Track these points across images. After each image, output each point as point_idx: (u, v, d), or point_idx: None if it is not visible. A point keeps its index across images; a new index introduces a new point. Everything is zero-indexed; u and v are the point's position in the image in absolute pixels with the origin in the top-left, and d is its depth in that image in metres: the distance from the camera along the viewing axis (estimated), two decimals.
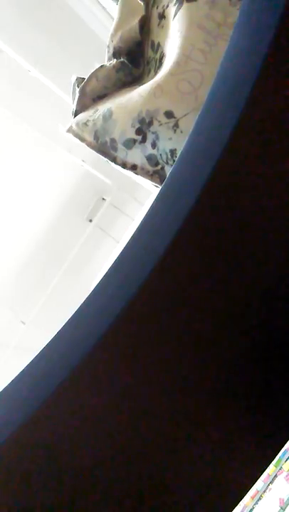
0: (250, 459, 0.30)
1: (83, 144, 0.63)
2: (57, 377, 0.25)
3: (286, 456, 0.99)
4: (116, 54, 0.64)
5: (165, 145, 0.54)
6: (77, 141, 0.64)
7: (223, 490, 0.30)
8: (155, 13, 0.61)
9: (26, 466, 0.25)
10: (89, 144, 0.62)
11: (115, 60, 0.64)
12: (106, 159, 0.61)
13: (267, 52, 0.25)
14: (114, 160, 0.60)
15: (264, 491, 0.99)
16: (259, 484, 0.99)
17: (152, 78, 0.57)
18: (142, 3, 0.63)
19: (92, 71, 0.64)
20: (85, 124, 0.62)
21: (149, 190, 0.70)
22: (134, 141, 0.56)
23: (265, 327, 0.27)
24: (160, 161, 0.56)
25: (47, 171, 2.15)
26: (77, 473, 0.26)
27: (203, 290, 0.26)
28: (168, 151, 0.54)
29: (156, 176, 0.57)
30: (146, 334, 0.25)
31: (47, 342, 0.27)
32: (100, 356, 0.25)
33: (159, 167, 0.57)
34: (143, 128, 0.55)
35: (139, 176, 0.59)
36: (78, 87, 0.66)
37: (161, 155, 0.55)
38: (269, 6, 0.26)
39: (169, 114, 0.53)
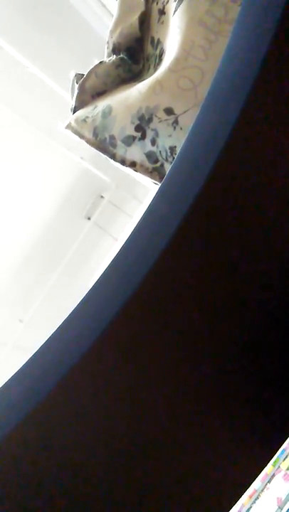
0: (248, 459, 0.30)
1: (82, 141, 0.63)
2: (54, 376, 0.25)
3: (284, 456, 0.99)
4: (115, 50, 0.63)
5: (165, 142, 0.54)
6: (76, 137, 0.63)
7: (221, 489, 0.30)
8: (155, 9, 0.61)
9: (23, 465, 0.25)
10: (88, 141, 0.62)
11: (115, 56, 0.63)
12: (105, 156, 0.61)
13: (268, 48, 0.25)
14: (113, 157, 0.60)
15: (262, 490, 0.99)
16: (257, 483, 0.99)
17: (152, 75, 0.57)
18: None
19: (92, 67, 0.64)
20: (84, 120, 0.62)
21: (148, 188, 0.70)
22: (134, 138, 0.56)
23: (266, 324, 0.27)
24: (159, 158, 0.56)
25: (45, 168, 2.14)
26: (75, 472, 0.26)
27: (204, 288, 0.25)
28: (167, 148, 0.54)
29: (155, 173, 0.57)
30: (145, 333, 0.25)
31: (45, 340, 0.27)
32: (98, 355, 0.25)
33: (159, 164, 0.56)
34: (142, 125, 0.54)
35: (138, 173, 0.59)
36: (77, 83, 0.65)
37: (160, 152, 0.55)
38: (270, 2, 0.26)
39: (168, 111, 0.53)
